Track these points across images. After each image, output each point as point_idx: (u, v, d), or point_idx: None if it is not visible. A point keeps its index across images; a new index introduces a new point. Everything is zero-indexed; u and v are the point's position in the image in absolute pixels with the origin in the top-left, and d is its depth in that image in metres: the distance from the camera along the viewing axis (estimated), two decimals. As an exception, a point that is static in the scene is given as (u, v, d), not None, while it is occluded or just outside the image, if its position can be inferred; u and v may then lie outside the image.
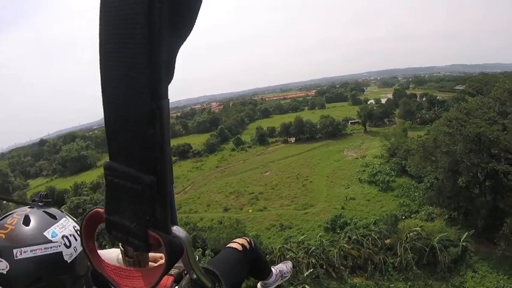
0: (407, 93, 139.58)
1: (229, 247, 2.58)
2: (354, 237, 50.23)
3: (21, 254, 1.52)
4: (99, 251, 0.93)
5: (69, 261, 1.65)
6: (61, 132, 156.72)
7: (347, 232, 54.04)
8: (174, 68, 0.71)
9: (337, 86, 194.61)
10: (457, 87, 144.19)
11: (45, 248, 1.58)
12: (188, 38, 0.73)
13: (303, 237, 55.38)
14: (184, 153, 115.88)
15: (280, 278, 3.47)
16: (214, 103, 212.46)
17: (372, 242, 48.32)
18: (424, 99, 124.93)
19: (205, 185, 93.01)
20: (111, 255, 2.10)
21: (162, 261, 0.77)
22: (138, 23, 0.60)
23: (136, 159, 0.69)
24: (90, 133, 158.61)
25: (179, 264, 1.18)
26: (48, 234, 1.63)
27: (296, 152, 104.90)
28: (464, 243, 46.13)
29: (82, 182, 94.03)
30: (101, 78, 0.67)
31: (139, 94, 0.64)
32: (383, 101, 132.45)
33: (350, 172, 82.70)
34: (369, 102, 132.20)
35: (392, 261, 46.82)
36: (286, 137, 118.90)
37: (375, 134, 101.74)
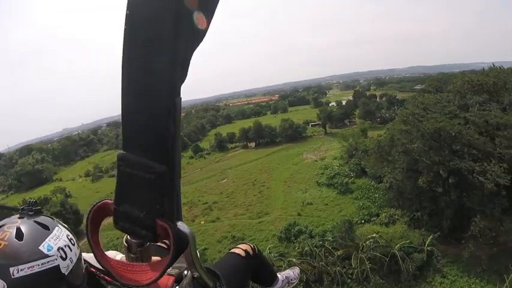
0: (368, 94, 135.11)
1: (232, 252, 2.49)
2: (306, 248, 43.19)
3: (18, 272, 1.40)
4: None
5: (66, 273, 1.51)
6: (22, 144, 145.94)
7: (300, 242, 46.92)
8: (187, 68, 0.74)
9: (300, 90, 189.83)
10: (416, 87, 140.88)
11: (42, 264, 1.45)
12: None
13: None
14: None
15: (286, 284, 3.32)
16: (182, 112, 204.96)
17: (326, 252, 41.32)
18: (383, 99, 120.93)
19: None
20: (110, 255, 1.65)
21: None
22: (165, 26, 0.64)
23: (150, 149, 0.73)
24: (49, 145, 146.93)
25: (180, 264, 1.21)
26: (43, 248, 1.48)
27: (255, 157, 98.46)
28: (429, 248, 40.36)
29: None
30: (122, 74, 0.70)
31: (159, 90, 0.69)
32: (344, 103, 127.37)
33: (308, 175, 76.36)
34: (330, 105, 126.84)
35: (351, 271, 40.09)
36: (245, 142, 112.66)
37: (335, 136, 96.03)
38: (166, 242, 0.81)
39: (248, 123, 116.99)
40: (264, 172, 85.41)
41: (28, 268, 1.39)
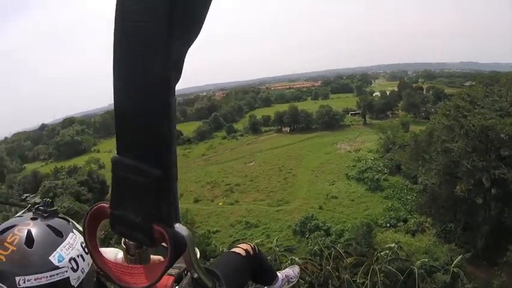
0: (414, 86, 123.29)
1: (233, 251, 2.47)
2: (316, 247, 37.48)
3: (24, 282, 1.32)
4: (100, 249, 0.94)
5: (76, 285, 1.44)
6: (68, 117, 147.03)
7: (313, 239, 41.31)
8: (182, 68, 0.72)
9: (344, 78, 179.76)
10: (466, 84, 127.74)
11: (51, 276, 1.36)
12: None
13: (258, 240, 43.25)
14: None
15: (286, 283, 3.33)
16: (220, 91, 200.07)
17: (337, 255, 35.52)
18: (430, 92, 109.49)
19: (185, 173, 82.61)
20: (110, 254, 1.76)
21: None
22: (157, 25, 0.61)
23: (144, 153, 0.69)
24: (92, 119, 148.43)
25: (180, 264, 1.18)
26: (54, 259, 1.39)
27: (287, 142, 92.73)
28: (455, 269, 32.86)
29: (61, 167, 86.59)
30: (113, 74, 0.67)
31: (152, 91, 0.65)
32: (388, 93, 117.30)
33: (339, 167, 70.11)
34: (374, 94, 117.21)
35: (362, 281, 33.83)
36: (280, 127, 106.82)
37: (374, 127, 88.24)
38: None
39: (286, 107, 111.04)
40: (293, 158, 79.99)
41: (35, 279, 1.31)
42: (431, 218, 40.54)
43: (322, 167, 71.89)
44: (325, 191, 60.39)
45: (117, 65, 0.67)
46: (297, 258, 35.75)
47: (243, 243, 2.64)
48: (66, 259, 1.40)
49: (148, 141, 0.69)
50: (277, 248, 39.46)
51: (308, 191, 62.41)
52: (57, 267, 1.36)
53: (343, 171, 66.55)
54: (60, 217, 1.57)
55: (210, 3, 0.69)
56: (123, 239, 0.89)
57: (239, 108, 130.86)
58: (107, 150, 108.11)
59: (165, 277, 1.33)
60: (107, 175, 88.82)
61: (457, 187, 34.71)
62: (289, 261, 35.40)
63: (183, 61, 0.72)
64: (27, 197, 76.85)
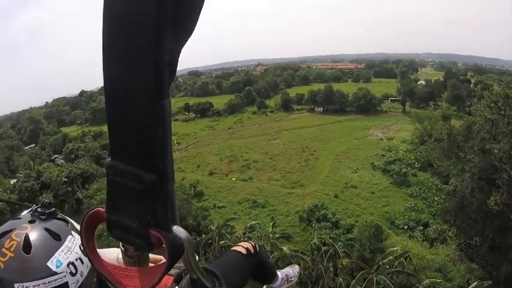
0: (461, 78, 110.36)
1: (234, 250, 2.45)
2: (314, 241, 32.13)
3: None
4: (100, 250, 0.93)
5: None
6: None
7: (317, 231, 36.16)
8: (176, 68, 0.68)
9: (390, 62, 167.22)
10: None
11: (49, 282, 1.34)
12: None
13: (254, 222, 38.71)
14: (204, 111, 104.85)
15: (286, 282, 3.30)
16: (260, 67, 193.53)
17: (334, 254, 29.91)
18: (478, 86, 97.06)
19: (208, 145, 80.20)
20: (112, 255, 1.61)
21: (163, 260, 0.75)
22: (147, 25, 0.59)
23: (138, 158, 0.67)
24: None
25: (179, 264, 1.07)
26: (52, 264, 1.36)
27: (317, 123, 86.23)
28: None
29: (88, 131, 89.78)
30: (104, 76, 0.65)
31: (143, 93, 0.63)
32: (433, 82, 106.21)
33: (366, 154, 63.39)
34: (418, 83, 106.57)
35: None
36: (313, 106, 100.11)
37: (413, 116, 79.91)
38: None
39: (323, 87, 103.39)
40: (319, 140, 73.81)
41: (34, 286, 1.29)
42: (456, 229, 33.68)
43: (348, 153, 65.40)
44: (345, 178, 54.23)
45: (107, 67, 0.65)
46: (287, 250, 30.48)
47: (244, 241, 2.56)
48: (64, 264, 1.37)
49: (142, 145, 0.66)
50: (272, 235, 34.20)
51: (327, 176, 56.49)
52: (55, 273, 1.33)
53: (370, 160, 59.86)
54: (59, 218, 1.51)
55: (203, 2, 0.66)
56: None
57: (275, 84, 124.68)
58: None
59: (165, 277, 1.29)
60: None
61: (492, 198, 27.53)
62: (278, 252, 30.61)
63: (177, 61, 0.68)
64: (56, 157, 77.35)
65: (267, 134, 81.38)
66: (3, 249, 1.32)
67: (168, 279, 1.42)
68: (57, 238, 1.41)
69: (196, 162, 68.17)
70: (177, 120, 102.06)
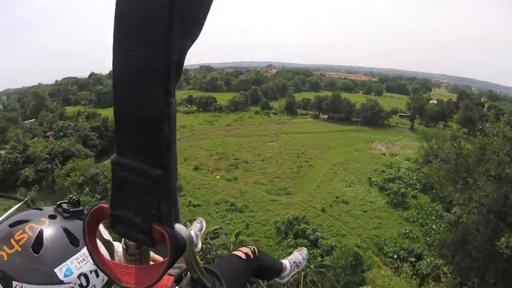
0: (475, 101, 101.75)
1: (233, 254, 2.44)
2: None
3: None
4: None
5: None
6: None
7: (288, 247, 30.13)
8: (182, 68, 0.69)
9: (404, 79, 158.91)
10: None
11: None
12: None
13: (216, 227, 33.19)
14: (207, 105, 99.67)
15: (296, 268, 3.30)
16: (274, 69, 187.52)
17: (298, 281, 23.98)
18: (491, 111, 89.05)
19: (202, 139, 74.68)
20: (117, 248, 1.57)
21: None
22: (159, 26, 0.59)
23: (144, 153, 0.67)
24: None
25: (180, 264, 1.14)
26: (60, 271, 1.19)
27: (319, 130, 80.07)
28: None
29: (84, 111, 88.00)
30: (113, 74, 0.65)
31: (152, 92, 0.63)
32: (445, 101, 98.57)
33: (365, 168, 57.10)
34: (430, 102, 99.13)
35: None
36: (318, 112, 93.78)
37: (419, 133, 73.38)
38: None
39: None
40: (317, 148, 67.67)
41: None
42: (452, 266, 27.12)
43: (345, 164, 59.16)
44: (337, 191, 48.09)
45: (116, 64, 0.64)
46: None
47: (244, 246, 2.54)
48: (75, 274, 1.20)
49: (148, 141, 0.66)
50: (233, 245, 28.22)
51: (318, 187, 50.37)
52: (61, 282, 1.16)
53: (368, 174, 53.63)
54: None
55: (211, 2, 0.67)
56: (123, 238, 0.86)
57: (283, 87, 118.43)
58: None
59: (165, 277, 1.24)
60: None
61: (503, 239, 21.01)
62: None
63: (184, 61, 0.68)
64: (50, 134, 73.10)
65: (265, 136, 75.58)
66: (12, 240, 1.17)
67: (168, 279, 1.32)
68: (75, 243, 1.24)
69: (184, 155, 62.51)
70: (178, 111, 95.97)
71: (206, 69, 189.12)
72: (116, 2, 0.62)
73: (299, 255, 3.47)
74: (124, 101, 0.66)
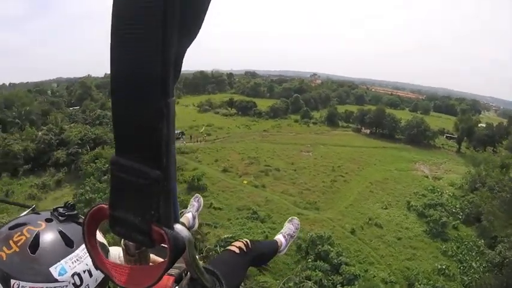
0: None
1: (228, 249, 2.46)
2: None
3: (18, 287, 1.22)
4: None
5: None
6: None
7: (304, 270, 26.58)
8: (180, 69, 0.68)
9: (452, 99, 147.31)
10: None
11: None
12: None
13: (228, 235, 31.35)
14: (247, 109, 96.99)
15: (290, 239, 3.39)
16: (319, 80, 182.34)
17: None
18: None
19: (236, 142, 71.61)
20: (114, 252, 1.70)
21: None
22: (154, 25, 0.58)
23: (143, 154, 0.65)
24: (185, 74, 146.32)
25: (180, 264, 1.15)
26: (55, 270, 1.26)
27: (359, 144, 74.95)
28: None
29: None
30: (111, 74, 0.64)
31: (150, 92, 0.61)
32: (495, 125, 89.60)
33: (405, 190, 52.02)
34: (479, 125, 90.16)
35: None
36: (360, 126, 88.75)
37: (466, 157, 67.30)
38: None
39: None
40: (355, 163, 62.80)
41: (30, 287, 1.21)
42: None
43: (383, 183, 54.20)
44: (371, 213, 43.61)
45: (114, 65, 0.63)
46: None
47: (237, 241, 2.55)
48: (69, 273, 1.26)
49: (147, 142, 0.65)
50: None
51: (351, 205, 46.06)
52: (55, 280, 1.23)
53: (407, 197, 48.57)
54: (79, 223, 1.40)
55: (209, 1, 0.66)
56: (122, 240, 0.85)
57: (326, 97, 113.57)
58: (183, 103, 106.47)
59: (165, 277, 1.25)
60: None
61: None
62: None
63: (182, 61, 0.67)
64: (89, 122, 74.70)
65: (301, 145, 71.47)
66: (11, 241, 1.24)
67: (168, 279, 1.33)
68: (69, 244, 1.30)
69: (215, 156, 60.71)
70: (217, 113, 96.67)
71: (251, 75, 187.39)
72: (113, 2, 0.61)
73: (291, 225, 3.52)
74: (122, 101, 0.65)
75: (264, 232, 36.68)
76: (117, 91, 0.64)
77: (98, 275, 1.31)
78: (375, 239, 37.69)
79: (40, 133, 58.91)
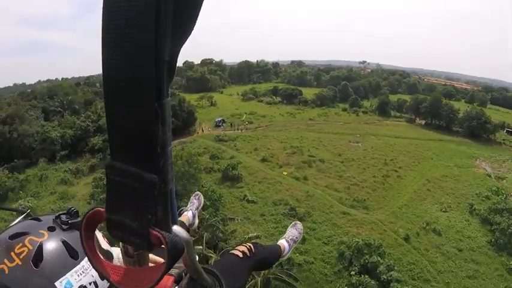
0: None
1: (231, 253, 2.36)
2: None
3: None
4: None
5: None
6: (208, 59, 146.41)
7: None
8: (175, 68, 0.66)
9: (511, 91, 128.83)
10: None
11: None
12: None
13: (253, 235, 28.56)
14: (291, 97, 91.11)
15: (293, 244, 3.25)
16: (369, 69, 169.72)
17: None
18: None
19: (279, 130, 66.11)
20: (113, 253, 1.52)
21: (163, 261, 0.72)
22: (146, 24, 0.56)
23: (138, 157, 0.63)
24: (231, 65, 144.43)
25: (179, 264, 1.15)
26: (60, 285, 1.19)
27: (413, 136, 66.84)
28: None
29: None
30: (103, 75, 0.61)
31: (143, 93, 0.59)
32: None
33: (466, 190, 44.63)
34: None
35: None
36: (413, 116, 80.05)
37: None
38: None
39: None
40: (410, 156, 55.52)
41: None
42: None
43: (442, 181, 46.93)
44: (428, 216, 37.01)
45: (105, 66, 0.61)
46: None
47: (240, 245, 2.44)
48: (75, 287, 1.20)
49: (141, 144, 0.63)
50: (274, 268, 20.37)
51: (405, 205, 39.71)
52: None
53: (469, 199, 41.30)
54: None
55: (201, 3, 0.64)
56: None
57: (377, 86, 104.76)
58: (227, 93, 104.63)
59: (165, 277, 1.19)
60: (210, 111, 78.54)
61: None
62: None
63: (176, 61, 0.65)
64: None
65: (350, 135, 64.79)
66: (12, 254, 1.16)
67: (168, 279, 1.29)
68: (74, 256, 1.23)
69: (256, 145, 55.93)
70: (261, 101, 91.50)
71: (297, 64, 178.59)
72: (103, 2, 0.59)
73: (294, 230, 3.33)
74: (115, 103, 0.63)
75: (303, 235, 31.62)
76: (109, 93, 0.62)
77: (104, 286, 1.26)
78: (432, 249, 31.43)
79: (78, 121, 58.64)
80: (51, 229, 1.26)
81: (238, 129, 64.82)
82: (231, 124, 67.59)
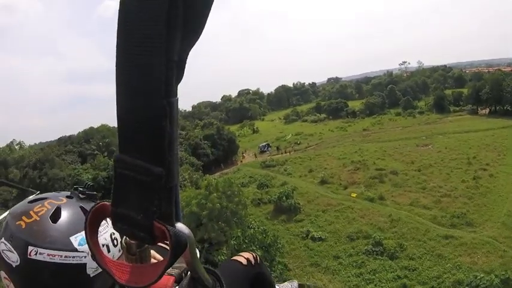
0: None
1: (234, 260, 2.15)
2: None
3: (36, 254, 1.14)
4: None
5: (92, 275, 1.22)
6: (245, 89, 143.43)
7: None
8: (184, 69, 0.64)
9: None
10: None
11: (65, 257, 1.17)
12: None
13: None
14: (337, 111, 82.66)
15: None
16: (405, 71, 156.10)
17: None
18: None
19: (333, 147, 57.86)
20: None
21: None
22: (157, 26, 0.56)
23: (146, 151, 0.63)
24: (266, 92, 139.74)
25: (180, 264, 1.11)
26: (75, 240, 1.19)
27: (483, 127, 56.16)
28: None
29: (200, 121, 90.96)
30: (116, 74, 0.62)
31: (153, 91, 0.59)
32: None
33: None
34: None
35: None
36: (475, 106, 69.04)
37: None
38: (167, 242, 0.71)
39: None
40: (491, 150, 45.07)
41: (48, 255, 1.13)
42: None
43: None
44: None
45: (118, 64, 0.61)
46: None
47: (245, 251, 2.25)
48: None
49: (150, 140, 0.62)
50: None
51: (512, 210, 29.02)
52: (75, 250, 1.16)
53: None
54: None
55: (211, 5, 0.63)
56: (123, 238, 0.82)
57: (424, 85, 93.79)
58: (269, 119, 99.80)
59: (166, 277, 1.17)
60: (253, 138, 73.57)
61: None
62: None
63: (185, 61, 0.64)
64: None
65: (415, 138, 55.44)
66: (31, 212, 1.18)
67: (168, 279, 1.22)
68: None
69: (310, 166, 47.62)
70: (305, 121, 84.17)
71: (335, 81, 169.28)
72: (120, 2, 0.59)
73: (289, 285, 2.95)
74: (125, 99, 0.62)
75: (399, 277, 22.39)
76: (120, 89, 0.62)
77: (116, 252, 1.23)
78: None
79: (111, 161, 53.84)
80: (69, 197, 1.28)
81: (286, 152, 57.39)
82: (277, 148, 60.59)
